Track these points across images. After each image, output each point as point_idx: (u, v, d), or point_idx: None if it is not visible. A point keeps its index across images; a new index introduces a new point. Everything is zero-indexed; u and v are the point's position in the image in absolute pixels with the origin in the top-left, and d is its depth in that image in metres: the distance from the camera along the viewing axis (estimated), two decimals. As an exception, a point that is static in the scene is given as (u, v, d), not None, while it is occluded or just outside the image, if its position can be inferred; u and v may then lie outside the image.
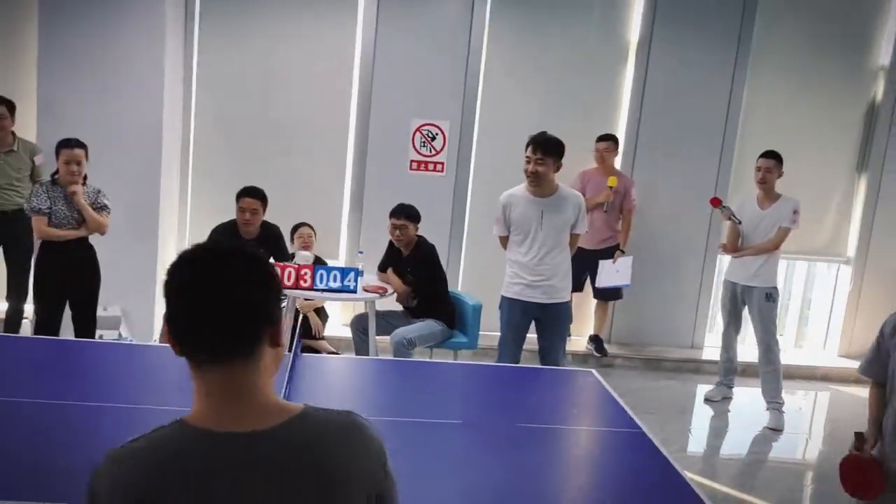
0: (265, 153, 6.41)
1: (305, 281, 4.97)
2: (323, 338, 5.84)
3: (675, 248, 6.79)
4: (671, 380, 6.45)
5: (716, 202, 5.72)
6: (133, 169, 5.53)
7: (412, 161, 6.50)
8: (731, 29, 6.58)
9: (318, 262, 5.51)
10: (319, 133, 6.47)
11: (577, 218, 4.69)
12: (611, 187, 6.19)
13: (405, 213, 5.23)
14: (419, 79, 6.40)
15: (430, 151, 6.51)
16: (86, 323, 4.90)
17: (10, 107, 5.28)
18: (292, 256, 5.43)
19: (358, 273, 5.08)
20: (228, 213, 5.34)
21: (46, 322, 4.72)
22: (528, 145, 4.56)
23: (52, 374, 3.22)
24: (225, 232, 5.18)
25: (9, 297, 5.37)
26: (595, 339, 6.60)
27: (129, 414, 2.77)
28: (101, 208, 4.78)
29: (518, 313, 4.74)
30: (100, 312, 5.38)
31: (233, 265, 1.31)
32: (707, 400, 5.87)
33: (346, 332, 5.67)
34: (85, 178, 4.76)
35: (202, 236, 5.19)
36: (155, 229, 5.66)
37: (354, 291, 5.04)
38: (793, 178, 5.83)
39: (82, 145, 4.71)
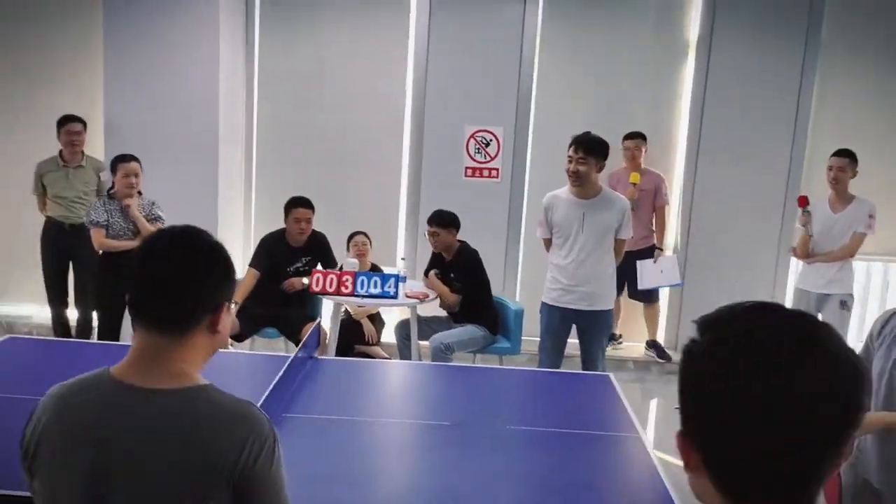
0: (323, 162, 6.58)
1: (347, 287, 5.06)
2: (377, 344, 5.91)
3: (743, 251, 6.53)
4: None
5: (803, 201, 5.40)
6: (191, 180, 5.78)
7: (467, 168, 6.52)
8: (797, 23, 6.30)
9: (375, 270, 5.60)
10: (375, 141, 6.58)
11: (622, 222, 4.58)
12: (634, 184, 6.02)
13: (437, 220, 5.26)
14: (472, 85, 6.42)
15: (485, 158, 6.51)
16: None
17: (84, 124, 5.62)
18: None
19: (399, 279, 5.13)
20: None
21: (108, 328, 4.98)
22: (570, 145, 4.51)
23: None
24: (274, 240, 5.35)
25: (77, 305, 5.69)
26: (653, 345, 6.42)
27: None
28: (154, 219, 5.02)
29: (556, 319, 4.67)
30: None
31: (181, 251, 1.49)
32: None
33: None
34: (140, 191, 5.01)
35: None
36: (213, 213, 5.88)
37: (395, 297, 5.10)
38: (867, 178, 5.52)
39: (137, 160, 4.97)
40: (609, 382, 3.62)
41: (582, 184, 4.50)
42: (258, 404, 1.56)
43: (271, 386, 2.87)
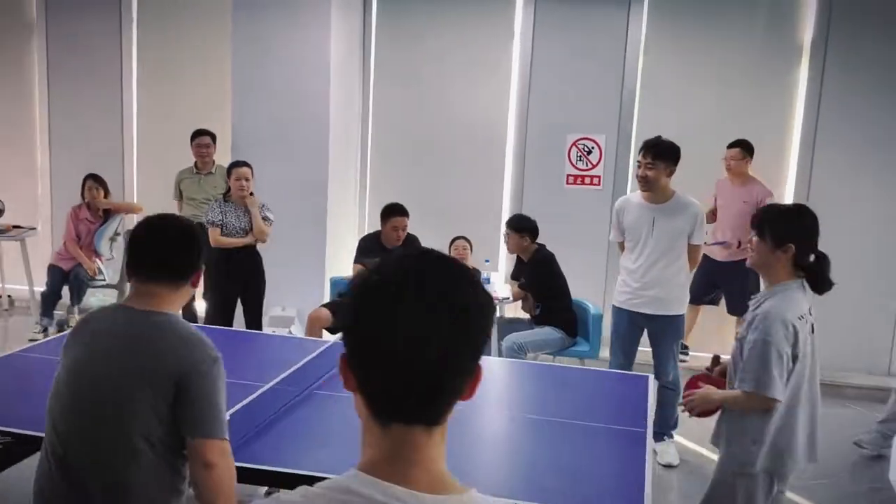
0: (430, 166, 6.91)
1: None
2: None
3: (861, 264, 6.18)
4: (846, 408, 5.88)
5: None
6: (303, 180, 6.27)
7: (568, 175, 6.64)
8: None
9: None
10: (480, 148, 6.82)
11: (693, 227, 4.57)
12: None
13: (510, 224, 5.43)
14: (574, 92, 6.53)
15: (587, 165, 6.60)
16: (253, 318, 5.69)
17: (213, 137, 6.31)
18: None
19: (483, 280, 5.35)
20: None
21: (219, 318, 5.55)
22: (640, 149, 4.58)
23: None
24: (370, 242, 5.71)
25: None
26: None
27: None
28: (264, 219, 5.55)
29: (625, 322, 4.72)
30: (277, 312, 6.20)
31: (171, 228, 2.24)
32: (858, 444, 5.03)
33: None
34: (251, 192, 5.57)
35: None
36: (323, 238, 6.35)
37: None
38: None
39: (248, 165, 5.53)
40: (643, 383, 3.67)
41: (651, 188, 4.54)
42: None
43: (302, 363, 3.21)
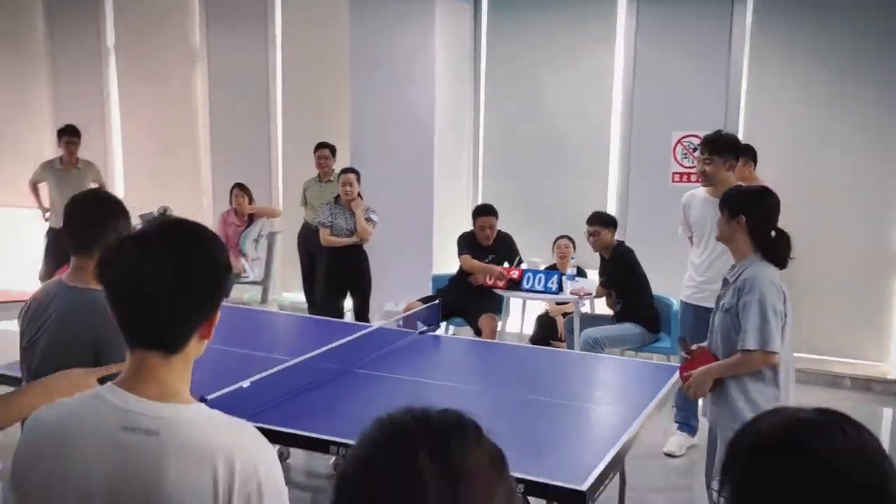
0: (538, 166, 7.14)
1: (516, 283, 5.63)
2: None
3: None
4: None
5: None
6: (410, 185, 6.76)
7: (674, 173, 6.62)
8: None
9: (580, 272, 6.06)
10: (585, 148, 6.98)
11: None
12: None
13: (597, 219, 5.54)
14: (679, 89, 6.52)
15: (692, 163, 6.55)
16: (361, 311, 6.24)
17: (333, 150, 6.96)
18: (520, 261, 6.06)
19: (561, 277, 5.55)
20: (513, 216, 6.44)
21: (327, 309, 6.15)
22: (699, 144, 4.62)
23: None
24: (467, 239, 6.04)
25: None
26: None
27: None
28: (367, 221, 6.09)
29: (690, 316, 4.75)
30: (389, 307, 6.72)
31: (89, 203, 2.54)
32: None
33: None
34: (359, 194, 6.12)
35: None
36: (430, 236, 6.79)
37: (556, 293, 5.53)
38: None
39: (355, 171, 6.10)
40: (660, 373, 3.76)
41: (711, 183, 4.55)
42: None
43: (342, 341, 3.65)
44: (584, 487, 2.59)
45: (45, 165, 7.29)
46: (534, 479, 2.62)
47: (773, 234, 3.07)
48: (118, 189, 8.82)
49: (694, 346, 3.30)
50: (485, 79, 7.29)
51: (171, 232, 1.42)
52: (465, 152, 7.33)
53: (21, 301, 2.58)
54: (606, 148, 6.93)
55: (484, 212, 5.93)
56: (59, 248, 7.01)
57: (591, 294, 5.62)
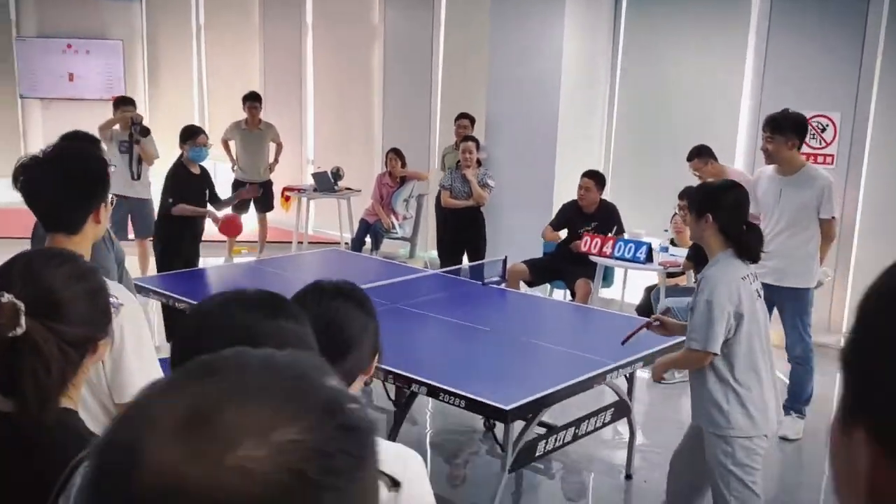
0: (664, 147, 7.26)
1: (607, 250, 5.94)
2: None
3: None
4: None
5: None
6: (534, 159, 7.21)
7: (801, 154, 6.48)
8: None
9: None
10: (712, 128, 7.00)
11: (821, 200, 4.56)
12: None
13: (688, 195, 5.65)
14: (810, 68, 6.38)
15: (820, 144, 6.41)
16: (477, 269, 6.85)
17: (472, 120, 7.57)
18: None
19: (649, 248, 5.78)
20: (637, 192, 6.87)
21: (446, 264, 6.83)
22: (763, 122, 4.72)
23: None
24: (570, 206, 6.38)
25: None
26: None
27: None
28: (483, 185, 6.67)
29: (749, 293, 4.85)
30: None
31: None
32: None
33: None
34: (479, 161, 6.72)
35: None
36: (550, 205, 7.19)
37: (643, 263, 5.78)
38: None
39: (475, 140, 6.71)
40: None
41: (772, 161, 4.64)
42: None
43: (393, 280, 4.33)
44: (507, 407, 3.06)
45: (233, 126, 8.57)
46: (470, 395, 3.13)
47: (743, 227, 3.07)
48: (308, 147, 10.09)
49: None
50: (621, 60, 7.54)
51: (60, 151, 2.14)
52: (597, 128, 7.63)
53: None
54: (734, 130, 6.93)
55: (585, 174, 6.26)
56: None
57: (678, 266, 5.80)
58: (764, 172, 4.82)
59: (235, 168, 8.52)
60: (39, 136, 11.03)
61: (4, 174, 8.57)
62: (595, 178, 6.24)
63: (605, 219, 6.33)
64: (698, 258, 5.65)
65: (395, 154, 8.24)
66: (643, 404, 5.00)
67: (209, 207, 5.76)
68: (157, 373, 1.80)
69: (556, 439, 3.67)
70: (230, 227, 5.86)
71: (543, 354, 3.80)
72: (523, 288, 6.32)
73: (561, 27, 6.97)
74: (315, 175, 8.86)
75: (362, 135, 9.57)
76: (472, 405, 3.16)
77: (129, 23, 11.97)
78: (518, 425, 3.33)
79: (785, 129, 4.53)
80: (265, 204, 8.52)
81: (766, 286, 4.63)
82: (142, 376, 1.73)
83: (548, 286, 6.63)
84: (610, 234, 6.12)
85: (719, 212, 3.04)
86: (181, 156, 5.72)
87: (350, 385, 1.45)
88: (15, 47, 11.45)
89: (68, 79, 11.54)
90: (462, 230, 6.82)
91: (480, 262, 5.34)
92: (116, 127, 7.16)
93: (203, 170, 5.81)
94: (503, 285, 5.22)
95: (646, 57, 7.44)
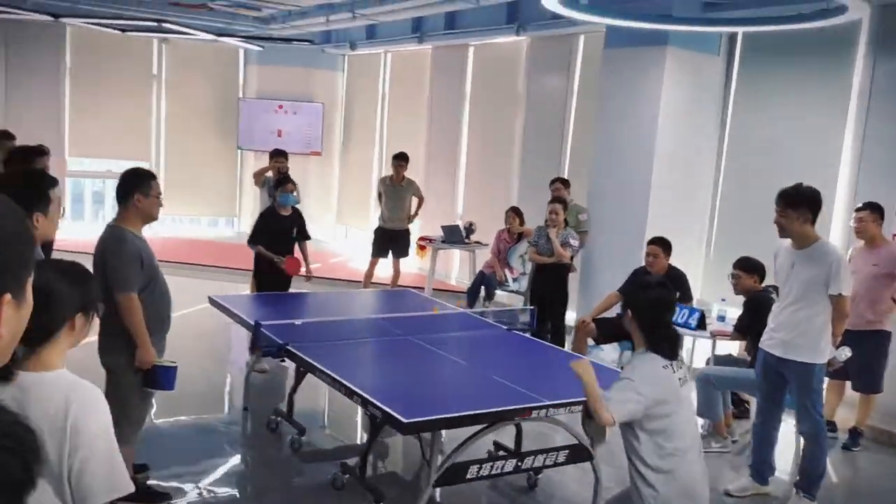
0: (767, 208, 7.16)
1: (664, 313, 6.06)
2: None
3: None
4: None
5: None
6: (626, 222, 7.44)
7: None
8: None
9: None
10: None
11: (829, 276, 4.50)
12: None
13: (740, 264, 5.65)
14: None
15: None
16: (556, 328, 7.17)
17: (565, 182, 7.96)
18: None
19: (701, 315, 5.84)
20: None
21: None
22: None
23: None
24: (639, 271, 6.58)
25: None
26: (852, 433, 5.84)
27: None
28: (565, 244, 7.03)
29: (761, 363, 4.84)
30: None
31: None
32: None
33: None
34: (566, 220, 7.12)
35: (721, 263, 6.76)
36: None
37: (693, 329, 5.84)
38: None
39: (562, 201, 7.14)
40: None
41: (785, 235, 4.64)
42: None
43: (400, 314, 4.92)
44: (405, 420, 3.53)
45: (381, 180, 9.60)
46: (383, 406, 3.64)
47: (658, 326, 3.12)
48: (458, 200, 10.92)
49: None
50: (730, 123, 7.60)
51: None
52: (702, 196, 7.69)
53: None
54: (832, 198, 6.74)
55: (651, 241, 6.41)
56: (382, 241, 9.28)
57: (727, 335, 5.78)
58: (782, 244, 4.80)
59: (380, 217, 9.49)
60: (249, 183, 12.86)
61: (226, 213, 10.33)
62: (662, 245, 6.37)
63: (672, 285, 6.41)
64: (743, 328, 5.67)
65: (514, 212, 8.77)
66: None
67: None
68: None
69: (493, 466, 4.02)
70: (291, 265, 6.76)
71: (488, 387, 4.18)
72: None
73: (658, 99, 7.23)
74: (445, 227, 9.62)
75: (501, 192, 10.22)
76: (387, 417, 3.64)
77: (332, 89, 13.69)
78: (448, 442, 3.75)
79: (797, 204, 4.53)
80: (401, 250, 9.40)
81: (776, 359, 4.69)
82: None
83: (616, 345, 6.79)
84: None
85: (637, 310, 3.16)
86: (274, 200, 6.82)
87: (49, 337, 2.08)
88: (239, 106, 13.52)
89: (277, 134, 13.36)
90: (546, 284, 7.21)
91: (509, 307, 5.74)
92: (269, 174, 8.42)
93: (295, 210, 6.81)
94: (528, 334, 5.57)
95: (753, 124, 7.45)
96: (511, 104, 10.14)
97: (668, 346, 3.11)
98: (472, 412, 3.72)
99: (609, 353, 6.63)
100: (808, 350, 4.59)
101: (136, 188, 3.98)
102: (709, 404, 5.56)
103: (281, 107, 13.47)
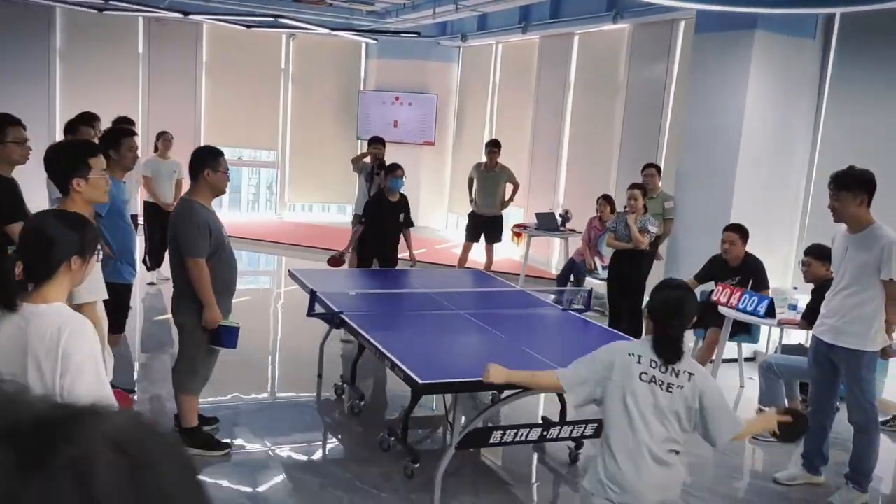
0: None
1: (733, 302, 5.97)
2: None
3: None
4: None
5: None
6: (712, 210, 7.31)
7: None
8: None
9: None
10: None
11: (881, 260, 4.36)
12: None
13: (811, 251, 5.49)
14: None
15: None
16: (633, 313, 7.19)
17: (657, 169, 7.91)
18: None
19: (770, 303, 5.70)
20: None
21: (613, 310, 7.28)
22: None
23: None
24: (716, 258, 6.47)
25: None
26: None
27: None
28: (643, 231, 7.03)
29: (813, 350, 4.75)
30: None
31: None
32: None
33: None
34: (645, 206, 7.12)
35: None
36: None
37: (760, 316, 5.72)
38: None
39: (640, 187, 7.14)
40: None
41: (839, 218, 4.52)
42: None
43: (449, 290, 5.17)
44: (420, 381, 3.78)
45: (476, 166, 9.81)
46: (402, 366, 3.91)
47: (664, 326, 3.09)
48: (560, 187, 11.00)
49: None
50: (825, 111, 7.30)
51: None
52: (793, 186, 7.45)
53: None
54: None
55: (727, 228, 6.30)
56: (475, 226, 9.53)
57: (795, 324, 5.63)
58: (839, 229, 4.67)
59: (472, 203, 9.73)
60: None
61: (344, 200, 10.97)
62: (738, 232, 6.25)
63: (748, 273, 6.30)
64: (808, 316, 5.52)
65: (605, 200, 8.77)
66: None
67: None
68: None
69: (517, 434, 4.20)
70: (333, 262, 7.27)
71: (514, 357, 4.33)
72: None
73: (744, 86, 7.06)
74: (539, 215, 9.74)
75: (600, 180, 10.21)
76: (406, 377, 3.90)
77: (446, 80, 14.04)
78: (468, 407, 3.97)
79: (850, 185, 4.40)
80: (494, 236, 9.61)
81: (825, 344, 4.60)
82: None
83: (691, 331, 6.73)
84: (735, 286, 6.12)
85: (650, 304, 3.20)
86: (381, 186, 7.21)
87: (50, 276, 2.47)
88: (358, 98, 14.13)
89: (393, 125, 13.87)
90: (623, 271, 7.22)
91: (571, 289, 5.83)
92: (367, 160, 8.86)
93: (402, 196, 7.20)
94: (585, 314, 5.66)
95: (852, 112, 7.13)
96: (612, 92, 10.11)
97: (662, 346, 3.04)
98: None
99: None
100: (858, 337, 4.45)
101: (206, 164, 4.43)
102: (771, 393, 5.47)
103: (397, 98, 13.97)
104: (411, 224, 7.33)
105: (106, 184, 3.65)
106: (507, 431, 4.17)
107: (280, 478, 4.56)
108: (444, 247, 12.14)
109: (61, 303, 2.46)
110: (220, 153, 4.56)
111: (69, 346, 2.32)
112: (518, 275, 9.75)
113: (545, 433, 4.26)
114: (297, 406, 5.75)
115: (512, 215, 10.82)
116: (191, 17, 11.60)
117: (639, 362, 3.07)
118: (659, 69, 9.26)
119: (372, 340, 4.39)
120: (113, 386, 2.98)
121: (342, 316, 4.90)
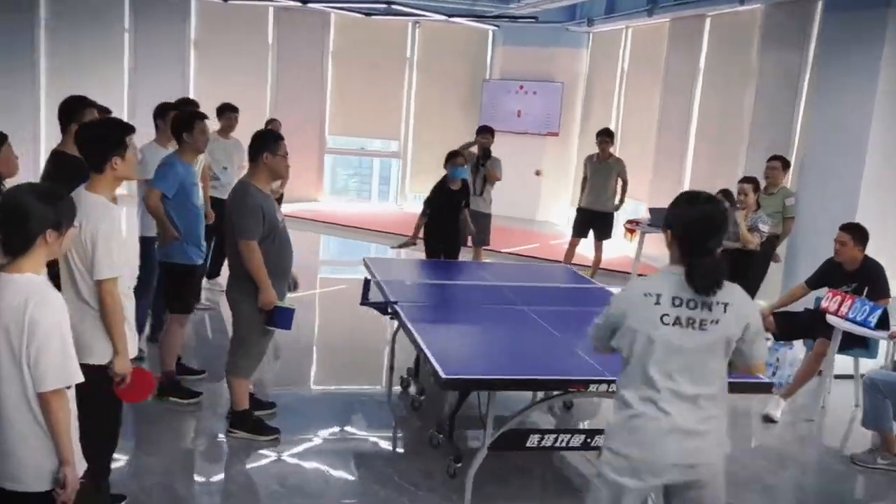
0: None
1: (843, 310, 5.30)
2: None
3: None
4: None
5: None
6: (832, 204, 6.56)
7: None
8: None
9: None
10: None
11: None
12: None
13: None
14: None
15: None
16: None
17: (784, 163, 7.18)
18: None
19: (884, 312, 5.02)
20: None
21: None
22: None
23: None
24: (829, 261, 5.76)
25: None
26: None
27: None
28: (753, 229, 6.39)
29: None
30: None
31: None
32: None
33: None
34: (758, 202, 6.50)
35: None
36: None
37: (871, 328, 5.03)
38: None
39: (752, 181, 6.49)
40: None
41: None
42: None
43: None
44: (444, 375, 3.52)
45: (588, 158, 9.28)
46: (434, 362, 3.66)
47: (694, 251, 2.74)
48: (685, 184, 10.34)
49: None
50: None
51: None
52: None
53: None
54: None
55: (842, 227, 5.60)
56: (583, 221, 9.10)
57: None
58: None
59: (581, 196, 9.25)
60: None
61: None
62: (852, 232, 5.53)
63: (865, 279, 5.57)
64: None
65: (724, 195, 7.99)
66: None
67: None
68: None
69: (557, 439, 3.85)
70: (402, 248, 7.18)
71: (560, 358, 3.98)
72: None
73: (875, 73, 6.28)
74: (652, 210, 9.14)
75: (728, 172, 9.47)
76: (434, 371, 3.65)
77: (573, 68, 13.54)
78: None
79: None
80: (602, 232, 9.12)
81: None
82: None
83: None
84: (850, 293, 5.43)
85: (675, 226, 2.80)
86: (445, 175, 7.04)
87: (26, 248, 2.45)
88: (482, 87, 13.90)
89: (517, 115, 13.57)
90: (733, 271, 6.57)
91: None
92: (473, 149, 8.61)
93: (464, 183, 7.00)
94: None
95: None
96: (743, 77, 9.34)
97: (699, 275, 2.65)
98: (517, 377, 3.60)
99: (791, 354, 5.88)
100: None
101: (265, 148, 4.37)
102: (876, 413, 4.78)
103: (521, 87, 13.62)
104: (468, 205, 7.20)
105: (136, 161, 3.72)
106: (546, 436, 3.83)
107: (321, 468, 4.42)
108: (559, 242, 11.69)
109: (33, 273, 2.47)
110: (280, 137, 4.52)
111: (35, 315, 2.38)
112: (629, 273, 9.22)
113: (589, 440, 3.88)
114: (362, 397, 5.61)
115: (629, 208, 10.27)
116: (309, 5, 11.77)
117: (657, 303, 2.68)
118: (793, 54, 8.44)
119: (412, 330, 4.16)
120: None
121: (395, 305, 4.71)
